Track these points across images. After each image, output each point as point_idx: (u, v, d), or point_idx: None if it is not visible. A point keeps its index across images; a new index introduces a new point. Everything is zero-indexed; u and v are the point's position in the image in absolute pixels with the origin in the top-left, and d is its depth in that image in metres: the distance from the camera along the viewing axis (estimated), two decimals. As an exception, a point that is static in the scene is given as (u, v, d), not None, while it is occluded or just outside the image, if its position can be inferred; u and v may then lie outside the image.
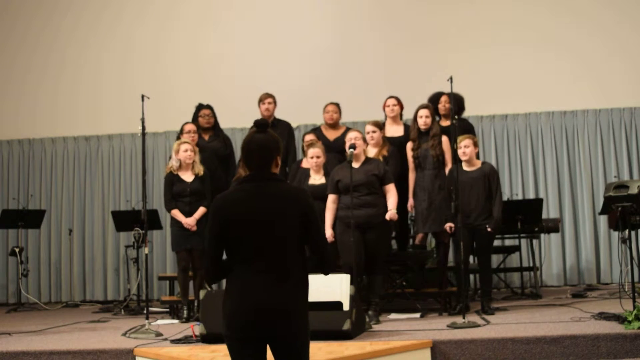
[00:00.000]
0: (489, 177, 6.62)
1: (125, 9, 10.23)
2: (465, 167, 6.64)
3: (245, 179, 3.05)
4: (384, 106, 7.40)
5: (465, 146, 6.58)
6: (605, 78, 9.40)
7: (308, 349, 3.02)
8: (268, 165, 3.03)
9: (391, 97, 7.39)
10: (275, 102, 7.75)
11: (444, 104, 7.46)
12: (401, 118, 7.53)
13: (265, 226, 2.93)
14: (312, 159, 6.66)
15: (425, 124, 6.99)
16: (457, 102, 7.22)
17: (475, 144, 6.73)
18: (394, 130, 7.34)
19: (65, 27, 10.25)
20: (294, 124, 8.25)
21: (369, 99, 7.69)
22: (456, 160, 6.56)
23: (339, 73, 9.56)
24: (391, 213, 6.32)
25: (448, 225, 6.67)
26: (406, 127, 7.35)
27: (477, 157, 6.85)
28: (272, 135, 3.08)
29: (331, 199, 6.43)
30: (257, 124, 3.09)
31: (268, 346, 2.99)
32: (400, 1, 9.82)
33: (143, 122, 6.33)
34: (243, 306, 2.91)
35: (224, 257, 3.03)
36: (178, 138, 7.54)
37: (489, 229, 6.48)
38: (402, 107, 7.44)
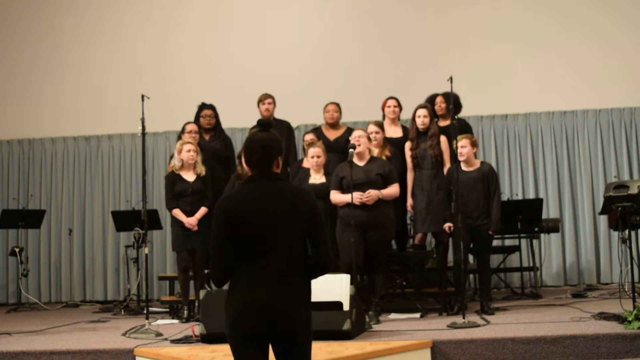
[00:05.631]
0: (488, 177, 6.61)
1: (129, 9, 10.23)
2: (463, 167, 6.62)
3: (249, 179, 3.03)
4: (384, 106, 7.41)
5: (462, 146, 6.56)
6: (605, 78, 9.41)
7: (310, 350, 3.01)
8: (269, 164, 3.01)
9: (392, 97, 7.39)
10: (274, 102, 7.75)
11: (439, 105, 7.47)
12: (399, 119, 7.54)
13: (268, 227, 2.92)
14: (313, 159, 6.65)
15: (424, 124, 6.99)
16: (453, 101, 7.23)
17: (473, 144, 6.71)
18: (393, 132, 7.35)
19: (69, 27, 10.24)
20: (294, 124, 8.25)
21: (369, 99, 7.70)
22: (456, 160, 6.55)
23: (340, 73, 9.56)
24: (374, 192, 6.20)
25: (447, 225, 6.68)
26: (404, 129, 7.37)
27: (476, 157, 6.85)
28: (274, 135, 3.06)
29: (334, 193, 6.37)
30: (261, 123, 3.08)
31: (270, 346, 2.98)
32: (401, 1, 9.83)
33: (143, 122, 6.33)
34: (246, 305, 2.90)
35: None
36: (179, 137, 7.53)
37: (490, 232, 6.49)
38: (401, 109, 7.45)
